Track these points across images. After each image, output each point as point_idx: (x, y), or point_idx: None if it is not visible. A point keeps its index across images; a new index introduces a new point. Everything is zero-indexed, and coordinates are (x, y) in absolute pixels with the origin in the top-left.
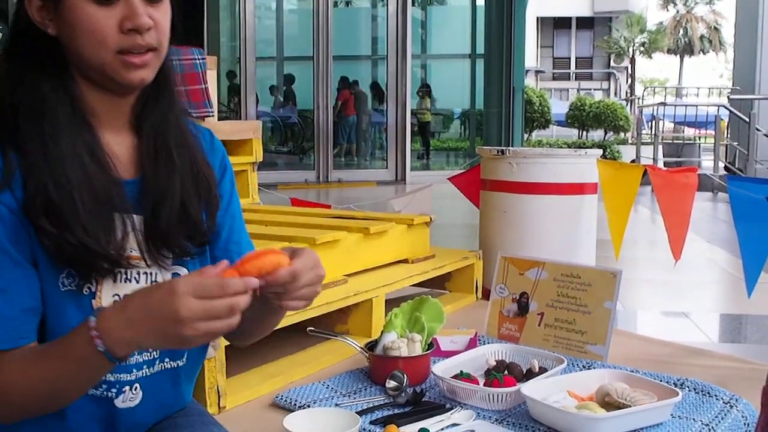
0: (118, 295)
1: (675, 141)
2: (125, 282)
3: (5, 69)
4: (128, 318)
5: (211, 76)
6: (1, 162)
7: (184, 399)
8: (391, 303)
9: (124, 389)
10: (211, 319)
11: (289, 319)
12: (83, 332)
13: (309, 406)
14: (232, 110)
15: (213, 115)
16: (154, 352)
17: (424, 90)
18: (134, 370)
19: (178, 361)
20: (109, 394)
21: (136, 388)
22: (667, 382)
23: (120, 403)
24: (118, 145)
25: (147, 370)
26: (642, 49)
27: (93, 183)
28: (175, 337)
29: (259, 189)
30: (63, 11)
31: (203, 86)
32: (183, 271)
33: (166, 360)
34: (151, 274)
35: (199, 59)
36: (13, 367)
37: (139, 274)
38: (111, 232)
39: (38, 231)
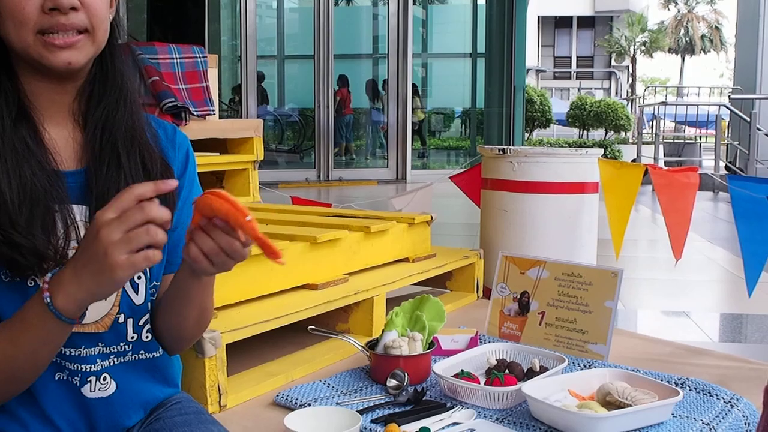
0: None
1: (676, 140)
2: None
3: None
4: (72, 262)
5: (213, 75)
6: None
7: (168, 386)
8: (391, 302)
9: (89, 379)
10: (125, 221)
11: (290, 317)
12: (36, 295)
13: (310, 405)
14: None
15: (214, 114)
16: (126, 345)
17: (412, 89)
18: (98, 360)
19: (154, 353)
20: (74, 381)
21: (104, 378)
22: (668, 382)
23: (88, 392)
24: (61, 138)
25: (115, 359)
26: (643, 48)
27: (25, 177)
28: (101, 258)
29: (260, 188)
30: None
31: (204, 84)
32: None
33: (141, 352)
34: None
35: (200, 57)
36: None
37: None
38: (52, 229)
39: None
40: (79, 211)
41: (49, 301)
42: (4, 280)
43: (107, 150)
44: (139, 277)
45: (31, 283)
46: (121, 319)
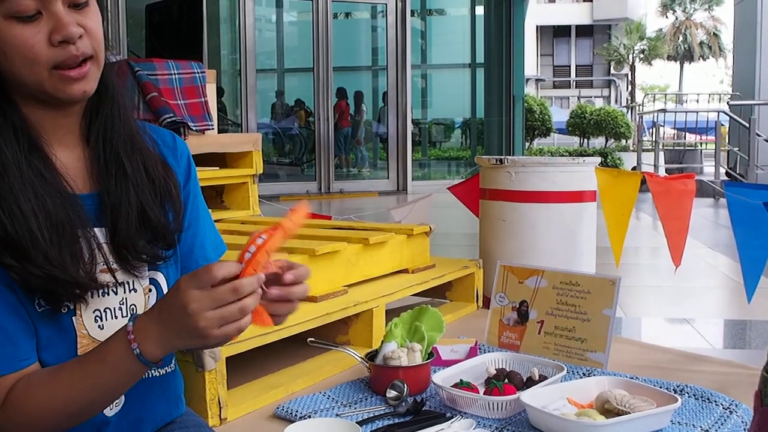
0: (99, 310)
1: (676, 147)
2: (103, 296)
3: None
4: (157, 318)
5: (211, 90)
6: None
7: (177, 407)
8: (391, 313)
9: None
10: (219, 306)
11: (290, 329)
12: (121, 337)
13: (310, 417)
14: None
15: (213, 128)
16: None
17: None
18: None
19: (167, 368)
20: None
21: None
22: (667, 389)
23: (108, 411)
24: (72, 162)
25: None
26: (642, 56)
27: (49, 208)
28: (194, 331)
29: (260, 201)
30: None
31: (203, 100)
32: (159, 276)
33: (153, 367)
34: (127, 283)
35: (198, 73)
36: (38, 385)
37: (116, 286)
38: (78, 255)
39: (2, 265)
40: (100, 234)
41: (138, 352)
42: (38, 311)
43: (112, 162)
44: (150, 290)
45: (65, 310)
46: None
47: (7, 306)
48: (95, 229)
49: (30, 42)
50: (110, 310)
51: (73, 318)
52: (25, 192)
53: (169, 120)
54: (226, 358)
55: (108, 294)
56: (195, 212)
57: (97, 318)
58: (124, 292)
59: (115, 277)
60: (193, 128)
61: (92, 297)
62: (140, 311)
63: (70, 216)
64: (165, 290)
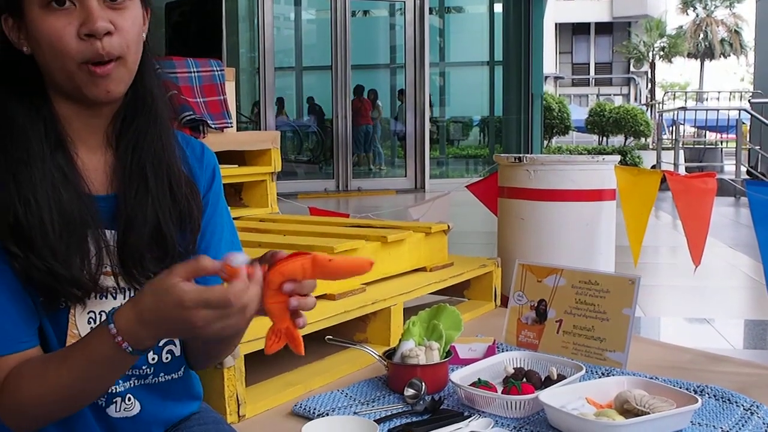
0: (94, 312)
1: (696, 145)
2: (101, 299)
3: None
4: (145, 322)
5: (230, 88)
6: None
7: (191, 407)
8: (409, 311)
9: (114, 400)
10: (225, 318)
11: (308, 327)
12: (104, 337)
13: (328, 415)
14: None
15: (232, 126)
16: (148, 369)
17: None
18: (121, 382)
19: (173, 375)
20: (99, 402)
21: (129, 399)
22: (687, 389)
23: (113, 412)
24: (94, 163)
25: (136, 381)
26: (662, 53)
27: (64, 204)
28: (192, 333)
29: (278, 198)
30: (28, 26)
31: (222, 97)
32: None
33: (161, 374)
34: (128, 290)
35: (217, 71)
36: (28, 374)
37: (116, 290)
38: (85, 255)
39: (6, 252)
40: (110, 236)
41: (131, 350)
42: (40, 300)
43: (135, 173)
44: None
45: (62, 306)
46: None
47: (10, 289)
48: (106, 230)
49: (60, 33)
50: (105, 314)
51: (68, 315)
52: (44, 185)
53: (188, 118)
54: (245, 355)
55: (106, 296)
56: (212, 224)
57: (91, 320)
58: (124, 299)
59: (117, 282)
60: (213, 126)
61: (89, 297)
62: None
63: (83, 215)
64: None
